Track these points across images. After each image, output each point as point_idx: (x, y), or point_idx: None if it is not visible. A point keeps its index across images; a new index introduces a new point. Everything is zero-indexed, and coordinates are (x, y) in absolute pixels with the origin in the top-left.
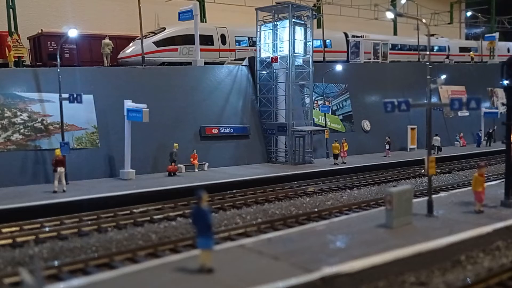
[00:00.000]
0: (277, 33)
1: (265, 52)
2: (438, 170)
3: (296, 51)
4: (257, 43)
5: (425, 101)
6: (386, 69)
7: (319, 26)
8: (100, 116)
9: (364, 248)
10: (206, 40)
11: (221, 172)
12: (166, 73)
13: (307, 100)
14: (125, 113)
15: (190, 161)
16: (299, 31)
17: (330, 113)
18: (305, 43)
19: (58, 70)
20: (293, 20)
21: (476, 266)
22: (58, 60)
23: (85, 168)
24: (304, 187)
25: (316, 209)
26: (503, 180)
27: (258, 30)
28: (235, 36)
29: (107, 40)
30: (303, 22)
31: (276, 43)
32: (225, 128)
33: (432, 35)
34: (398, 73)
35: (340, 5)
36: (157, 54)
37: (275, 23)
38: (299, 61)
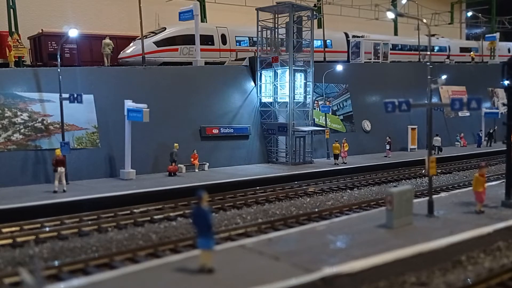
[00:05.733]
0: (277, 77)
1: (266, 97)
2: (439, 170)
3: (296, 96)
4: (257, 83)
5: (426, 101)
6: (387, 69)
7: (319, 26)
8: (101, 116)
9: (365, 248)
10: (207, 40)
11: (222, 172)
12: (166, 73)
13: (308, 100)
14: (126, 113)
15: (190, 161)
16: (299, 77)
17: (330, 113)
18: (305, 84)
19: (59, 70)
20: (293, 67)
21: (477, 266)
22: (59, 60)
23: (85, 168)
24: (304, 187)
25: (316, 209)
26: (504, 180)
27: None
28: (235, 36)
29: (107, 40)
30: (303, 69)
31: (277, 86)
32: (226, 128)
33: (433, 35)
34: (398, 73)
35: (341, 5)
36: (157, 54)
37: (275, 69)
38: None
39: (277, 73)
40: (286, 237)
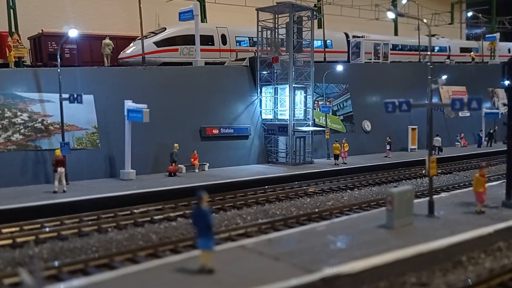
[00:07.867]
0: (277, 94)
1: (266, 114)
2: (439, 171)
3: (296, 112)
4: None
5: (426, 102)
6: (387, 70)
7: (319, 26)
8: (101, 116)
9: (365, 248)
10: (207, 40)
11: (222, 172)
12: (166, 73)
13: (308, 101)
14: (126, 113)
15: (190, 162)
16: (299, 94)
17: (330, 113)
18: (305, 103)
19: (59, 70)
20: (293, 85)
21: (477, 267)
22: (59, 60)
23: (85, 169)
24: (304, 187)
25: (316, 210)
26: (504, 180)
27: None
28: (235, 36)
29: (107, 40)
30: (303, 86)
31: (277, 104)
32: (226, 128)
33: (433, 35)
34: (399, 73)
35: (341, 5)
36: (157, 54)
37: (276, 86)
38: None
39: (277, 90)
40: (286, 238)
